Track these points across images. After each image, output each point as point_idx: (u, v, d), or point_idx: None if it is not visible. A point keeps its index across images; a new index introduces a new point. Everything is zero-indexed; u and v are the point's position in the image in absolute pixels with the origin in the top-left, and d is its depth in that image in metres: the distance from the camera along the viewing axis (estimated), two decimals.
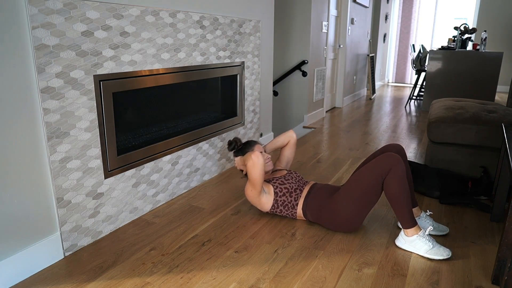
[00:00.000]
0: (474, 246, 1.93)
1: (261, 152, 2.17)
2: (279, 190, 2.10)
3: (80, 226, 1.85)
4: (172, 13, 2.21)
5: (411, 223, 1.83)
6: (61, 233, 1.76)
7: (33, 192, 1.63)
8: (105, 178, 1.94)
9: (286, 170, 2.30)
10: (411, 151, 3.59)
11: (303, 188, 2.14)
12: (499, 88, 7.87)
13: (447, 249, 1.82)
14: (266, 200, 2.11)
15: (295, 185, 2.13)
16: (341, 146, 3.76)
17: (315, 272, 1.71)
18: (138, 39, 2.01)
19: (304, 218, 2.13)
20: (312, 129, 4.52)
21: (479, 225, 2.15)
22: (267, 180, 2.17)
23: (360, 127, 4.61)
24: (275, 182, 2.13)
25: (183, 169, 2.51)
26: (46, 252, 1.71)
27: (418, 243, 1.82)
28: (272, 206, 2.12)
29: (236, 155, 2.25)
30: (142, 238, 1.98)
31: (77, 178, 1.79)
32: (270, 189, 2.12)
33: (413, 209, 2.05)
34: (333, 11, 5.28)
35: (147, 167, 2.21)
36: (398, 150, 2.10)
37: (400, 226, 1.91)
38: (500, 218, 2.17)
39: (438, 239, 1.99)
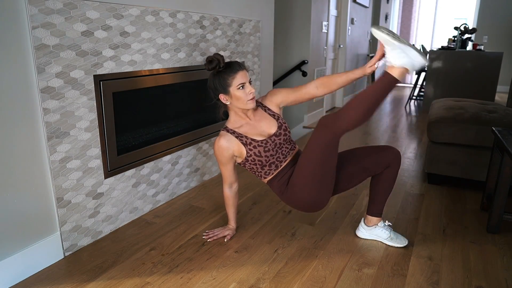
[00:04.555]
0: (474, 246, 1.93)
1: (242, 85, 1.69)
2: (251, 160, 1.77)
3: (80, 226, 1.85)
4: (172, 13, 2.21)
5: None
6: (61, 233, 1.76)
7: (33, 192, 1.63)
8: (105, 178, 1.94)
9: (276, 122, 1.83)
10: (411, 151, 3.59)
11: (282, 163, 1.80)
12: (499, 88, 7.86)
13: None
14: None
15: (272, 158, 1.78)
16: (341, 146, 3.75)
17: (315, 272, 1.71)
18: (138, 39, 2.01)
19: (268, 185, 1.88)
20: (312, 129, 4.52)
21: (479, 225, 2.15)
22: (243, 140, 1.75)
23: (360, 127, 4.61)
24: (251, 149, 1.75)
25: (183, 169, 2.51)
26: (46, 252, 1.71)
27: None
28: (241, 162, 1.83)
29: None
30: (142, 238, 1.98)
31: (77, 178, 1.79)
32: (242, 152, 1.76)
33: (375, 218, 1.94)
34: (333, 11, 5.28)
35: (147, 167, 2.21)
36: (397, 156, 1.87)
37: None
38: (497, 229, 2.04)
39: (435, 240, 1.99)
